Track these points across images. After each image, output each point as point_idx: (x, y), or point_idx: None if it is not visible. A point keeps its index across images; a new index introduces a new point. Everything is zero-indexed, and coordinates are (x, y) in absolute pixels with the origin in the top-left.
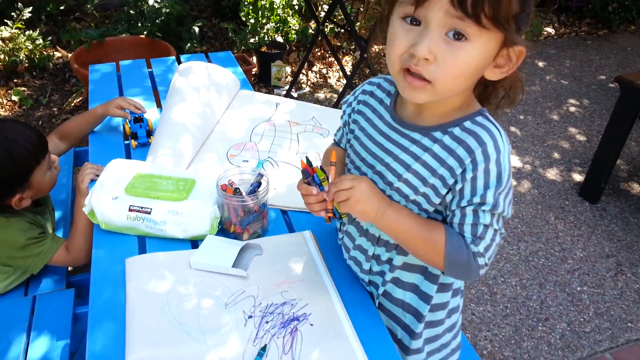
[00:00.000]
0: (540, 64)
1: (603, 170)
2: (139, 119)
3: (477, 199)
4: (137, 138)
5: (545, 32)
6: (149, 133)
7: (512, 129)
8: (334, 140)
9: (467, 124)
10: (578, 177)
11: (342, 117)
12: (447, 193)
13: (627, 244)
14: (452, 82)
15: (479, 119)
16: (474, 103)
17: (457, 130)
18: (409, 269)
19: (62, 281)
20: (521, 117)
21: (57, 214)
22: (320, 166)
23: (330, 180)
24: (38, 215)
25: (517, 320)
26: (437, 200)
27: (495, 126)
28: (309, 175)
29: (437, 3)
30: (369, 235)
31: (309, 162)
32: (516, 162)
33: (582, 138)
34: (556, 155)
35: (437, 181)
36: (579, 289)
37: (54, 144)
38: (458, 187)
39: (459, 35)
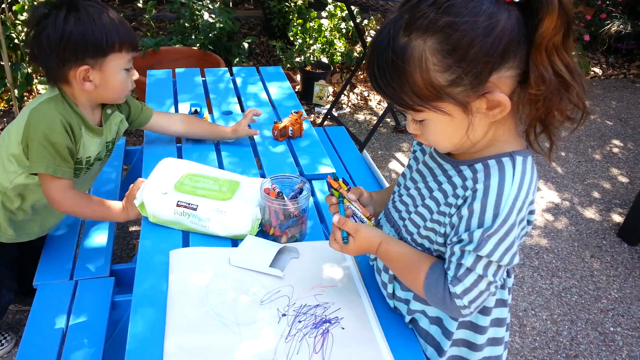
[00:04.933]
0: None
1: None
2: (195, 112)
3: (465, 236)
4: None
5: (592, 72)
6: None
7: (553, 164)
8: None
9: (491, 161)
10: (618, 218)
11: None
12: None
13: None
14: (439, 144)
15: (505, 159)
16: (511, 144)
17: (478, 165)
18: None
19: (106, 268)
20: (562, 153)
21: None
22: (344, 180)
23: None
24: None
25: (545, 354)
26: (443, 230)
27: (514, 169)
28: (331, 187)
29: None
30: None
31: (335, 178)
32: (555, 197)
33: (624, 180)
34: (596, 194)
35: (447, 208)
36: (612, 329)
37: (170, 120)
38: (455, 218)
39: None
